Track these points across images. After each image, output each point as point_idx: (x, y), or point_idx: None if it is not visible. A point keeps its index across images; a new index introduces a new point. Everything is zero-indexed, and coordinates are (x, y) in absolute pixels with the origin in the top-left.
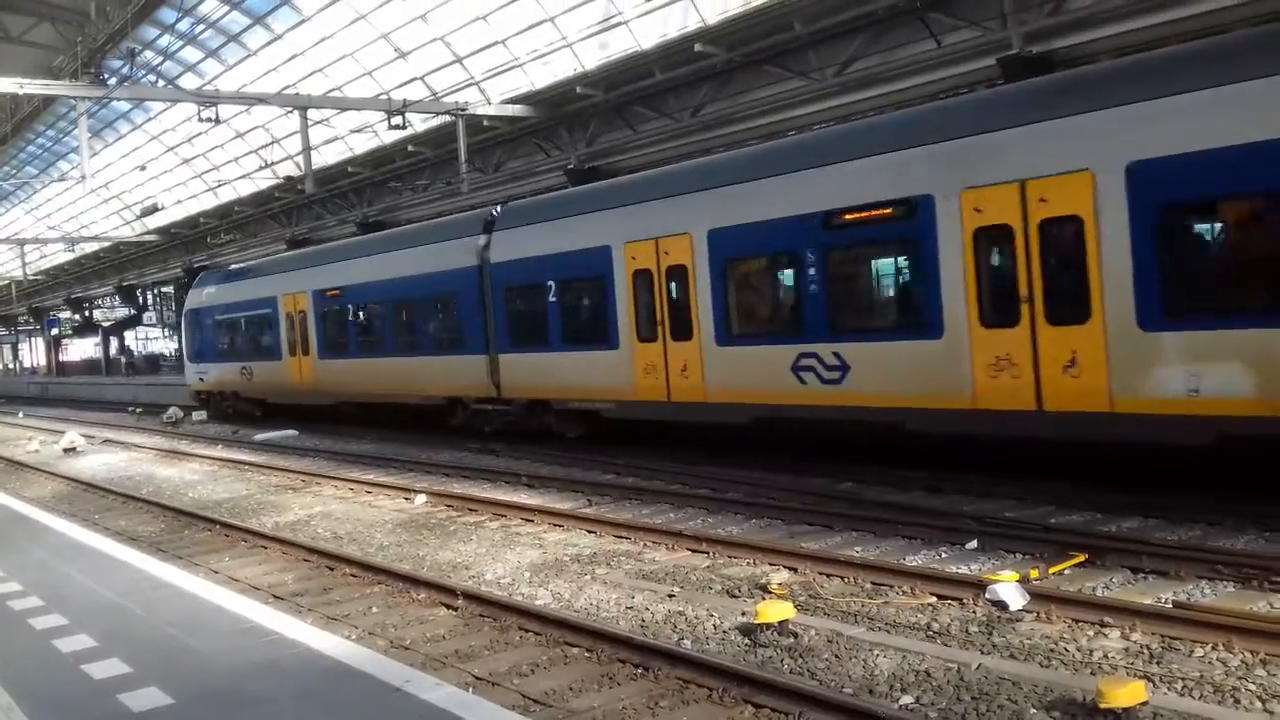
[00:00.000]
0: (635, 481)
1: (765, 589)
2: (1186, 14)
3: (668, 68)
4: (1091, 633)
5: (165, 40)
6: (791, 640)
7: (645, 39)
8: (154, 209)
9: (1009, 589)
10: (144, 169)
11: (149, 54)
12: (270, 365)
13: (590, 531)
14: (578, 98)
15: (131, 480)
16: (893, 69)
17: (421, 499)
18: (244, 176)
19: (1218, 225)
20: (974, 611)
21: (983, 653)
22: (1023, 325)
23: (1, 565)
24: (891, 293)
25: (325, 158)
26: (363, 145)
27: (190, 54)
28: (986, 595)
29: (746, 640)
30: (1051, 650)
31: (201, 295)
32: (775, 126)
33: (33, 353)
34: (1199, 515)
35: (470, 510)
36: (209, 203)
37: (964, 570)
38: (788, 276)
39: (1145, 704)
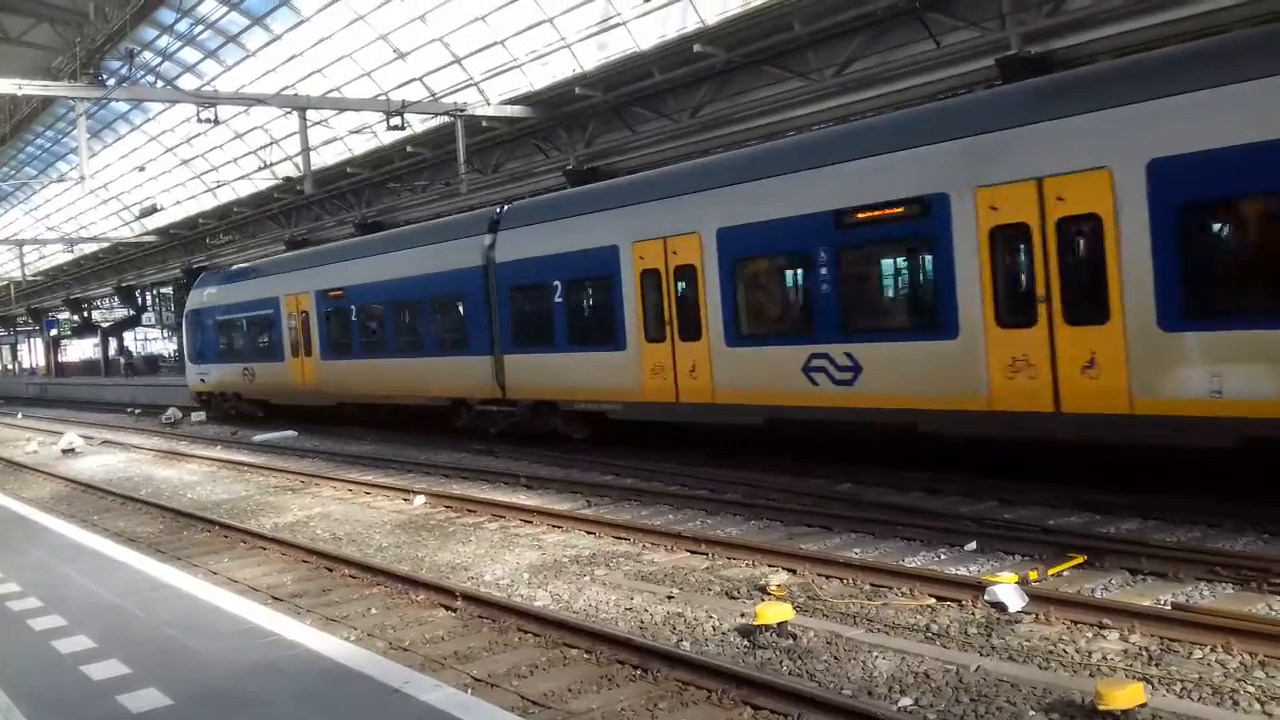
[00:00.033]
0: (634, 483)
1: (764, 590)
2: (1185, 14)
3: (666, 68)
4: (1090, 634)
5: (164, 41)
6: (790, 642)
7: (644, 40)
8: (153, 210)
9: (1008, 590)
10: (143, 170)
11: (148, 55)
12: (272, 366)
13: (589, 533)
14: (576, 98)
15: (130, 481)
16: (892, 69)
17: (420, 500)
18: (243, 177)
19: (1242, 223)
20: (973, 613)
21: (982, 654)
22: (1040, 325)
23: (0, 566)
24: (905, 292)
25: (324, 158)
26: (361, 146)
27: (189, 55)
28: (985, 597)
29: (745, 642)
30: (1050, 652)
31: (202, 296)
32: (774, 127)
33: (31, 353)
34: (1198, 517)
35: (469, 511)
36: (208, 203)
37: (963, 572)
38: (799, 276)
39: (1144, 706)
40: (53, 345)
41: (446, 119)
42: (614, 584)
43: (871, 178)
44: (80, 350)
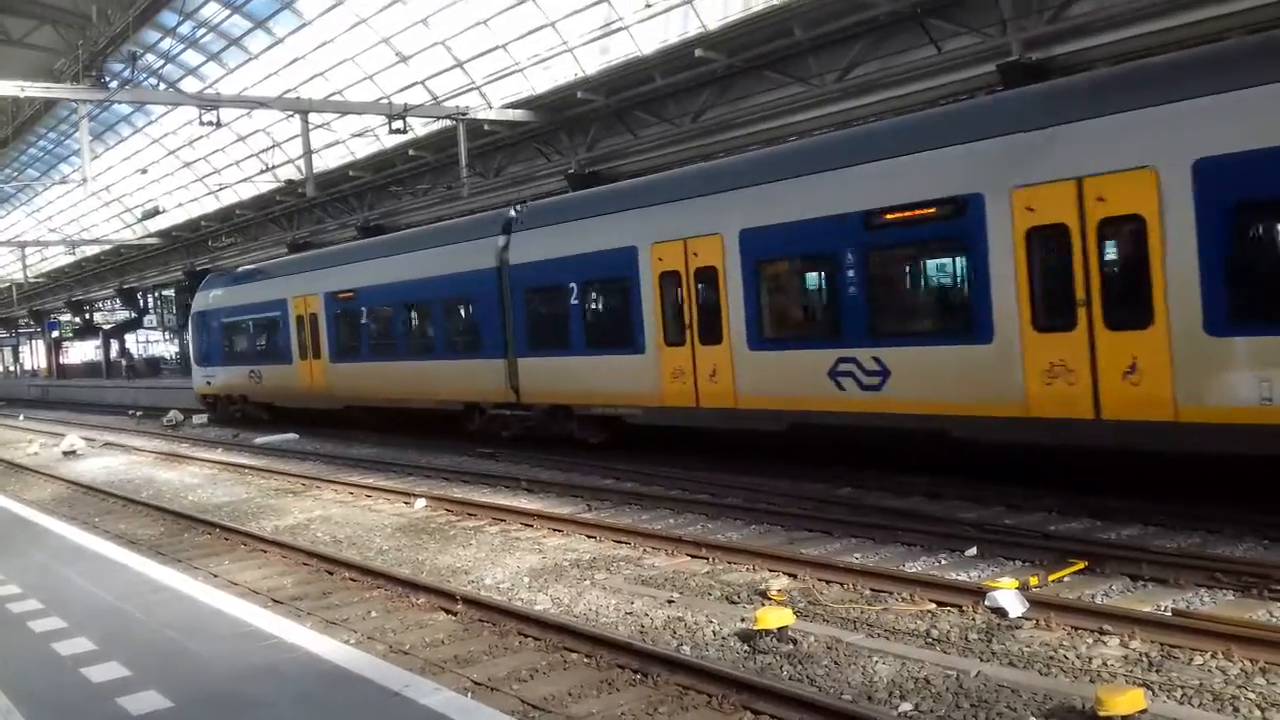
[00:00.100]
0: (635, 487)
1: (764, 595)
2: (1187, 20)
3: (668, 73)
4: (1091, 640)
5: (167, 44)
6: (790, 647)
7: (646, 44)
8: (155, 212)
9: (1008, 596)
10: (145, 172)
11: (150, 57)
12: (280, 369)
13: (590, 537)
14: (578, 102)
15: (131, 483)
16: (893, 75)
17: (421, 503)
18: (245, 180)
19: None
20: (973, 619)
21: (982, 660)
22: (1079, 330)
23: (1, 568)
24: (937, 295)
25: (326, 161)
26: (364, 149)
27: (191, 57)
28: (986, 602)
29: (746, 646)
30: (1051, 658)
31: (209, 298)
32: (775, 132)
33: (33, 355)
34: (1198, 523)
35: (470, 515)
36: (210, 206)
37: (963, 577)
38: (825, 278)
39: (1144, 712)
40: (54, 347)
41: (448, 122)
42: (614, 588)
43: (902, 177)
44: (82, 352)
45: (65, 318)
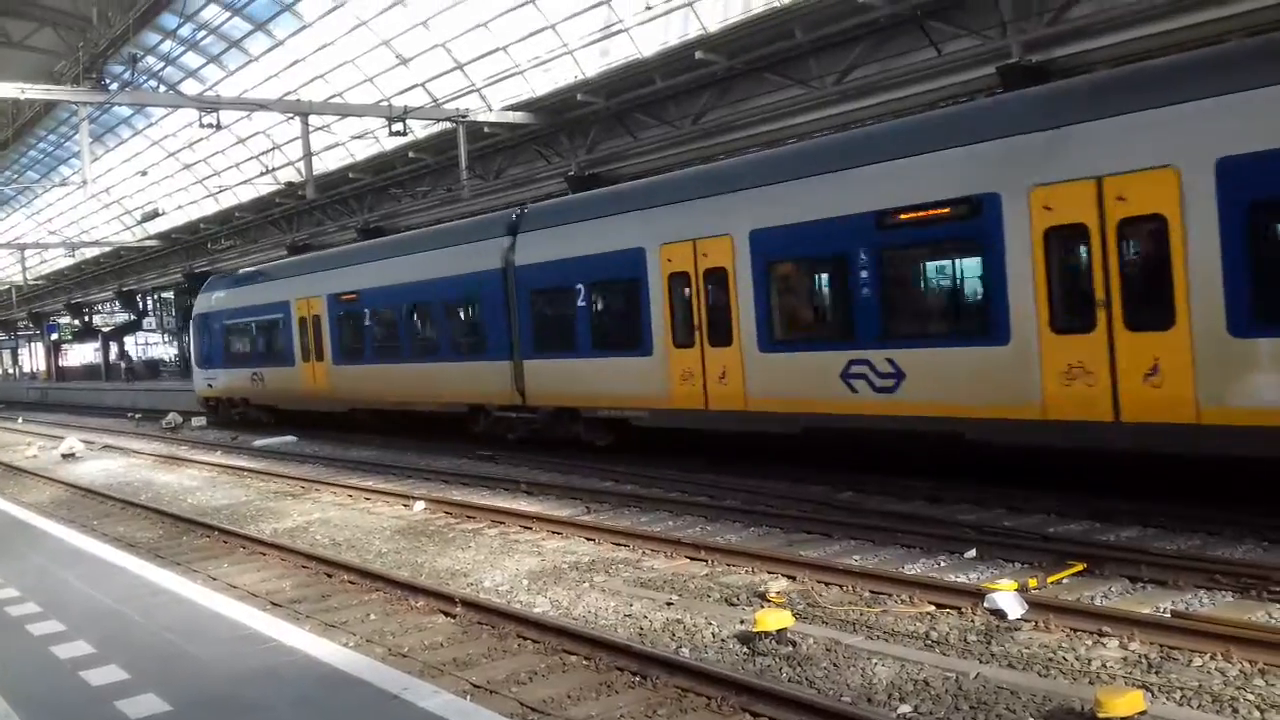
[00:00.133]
0: (634, 489)
1: (764, 597)
2: (1186, 23)
3: (668, 75)
4: (1090, 642)
5: (167, 46)
6: (790, 649)
7: (646, 46)
8: (155, 214)
9: (1007, 598)
10: (145, 174)
11: (150, 59)
12: (282, 371)
13: (589, 539)
14: (578, 105)
15: (130, 486)
16: (893, 77)
17: (420, 506)
18: (245, 182)
19: None
20: (972, 620)
21: (981, 662)
22: (1098, 331)
23: (0, 571)
24: (952, 296)
25: (326, 163)
26: (364, 151)
27: (192, 59)
28: (985, 604)
29: (745, 648)
30: (1050, 659)
31: (210, 300)
32: (775, 134)
33: (32, 358)
34: (1198, 524)
35: (469, 517)
36: (210, 208)
37: (962, 579)
38: (838, 279)
39: (1144, 713)
40: (53, 350)
41: (448, 125)
42: (613, 590)
43: (917, 177)
44: (81, 355)
45: (64, 320)
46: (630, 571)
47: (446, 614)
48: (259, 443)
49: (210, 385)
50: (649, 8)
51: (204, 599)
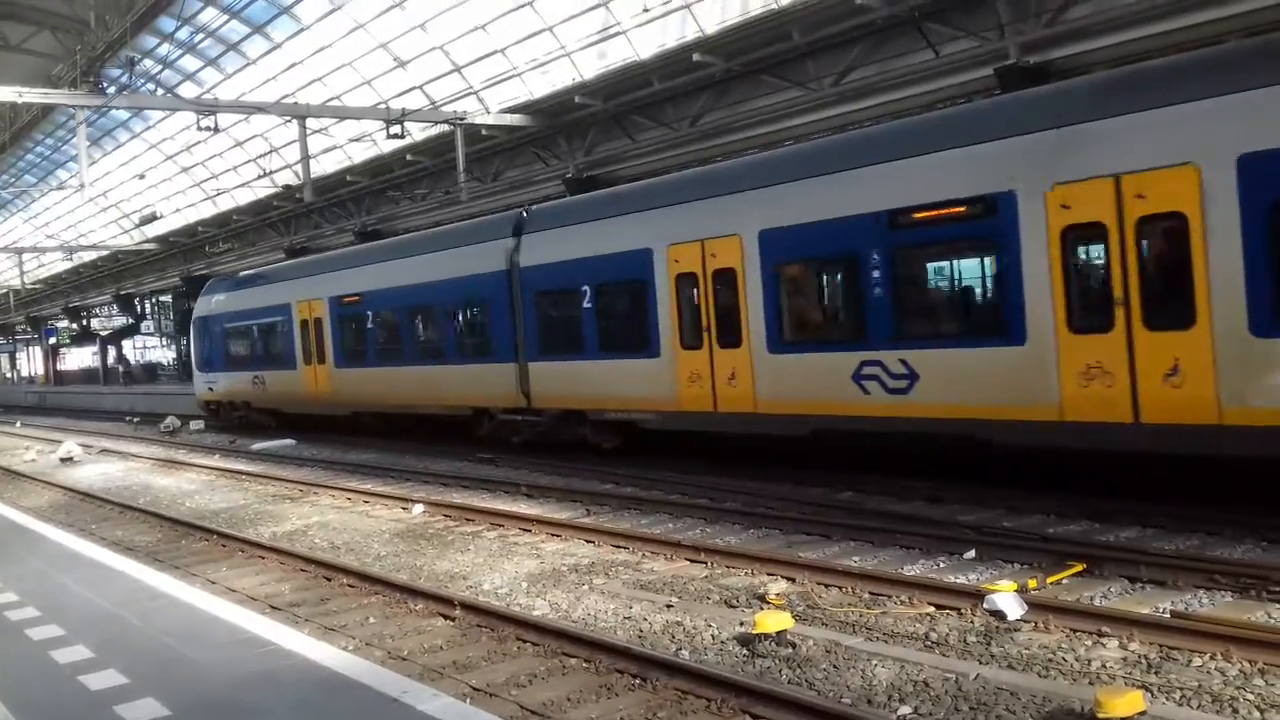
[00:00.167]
0: (633, 491)
1: (763, 599)
2: (1184, 24)
3: (666, 77)
4: (1089, 642)
5: (164, 49)
6: (790, 650)
7: (643, 49)
8: (152, 218)
9: (1007, 599)
10: (143, 178)
11: (148, 63)
12: (284, 375)
13: (588, 541)
14: (576, 107)
15: (129, 490)
16: (890, 79)
17: (419, 509)
18: (242, 185)
19: None
20: (972, 621)
21: (981, 663)
22: (1117, 330)
23: None
24: (967, 296)
25: (324, 166)
26: (361, 154)
27: (189, 63)
28: (984, 605)
29: (745, 650)
30: (1049, 660)
31: (211, 303)
32: (773, 136)
33: (30, 362)
34: (1197, 524)
35: (468, 520)
36: (207, 211)
37: (962, 580)
38: (849, 279)
39: (1143, 714)
40: (51, 353)
41: (446, 127)
42: (613, 593)
43: (930, 176)
44: (79, 358)
45: (62, 324)
46: (630, 574)
47: (446, 617)
48: (257, 446)
49: (211, 389)
50: (647, 10)
51: (203, 603)
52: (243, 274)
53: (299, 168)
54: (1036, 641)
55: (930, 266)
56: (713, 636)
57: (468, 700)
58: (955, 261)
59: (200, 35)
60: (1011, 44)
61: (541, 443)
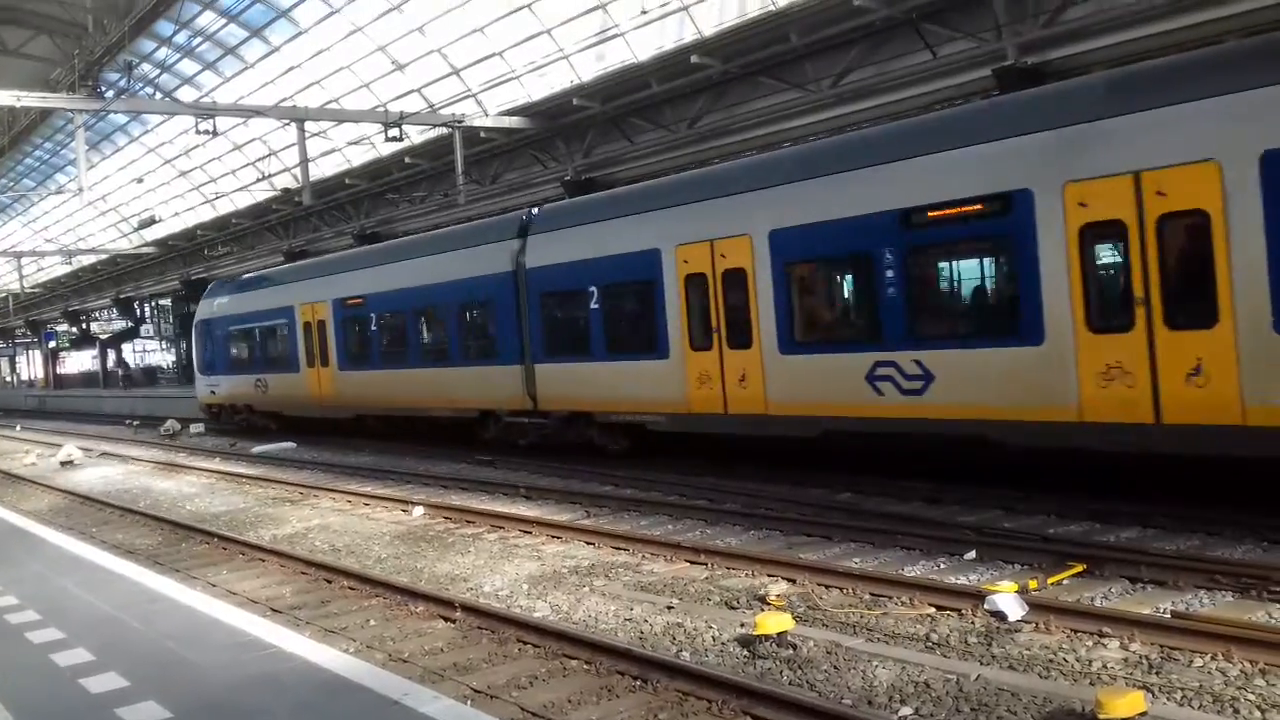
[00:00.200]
0: (633, 493)
1: (764, 600)
2: (1184, 24)
3: (664, 79)
4: (1090, 643)
5: (163, 53)
6: (790, 652)
7: (641, 51)
8: (151, 221)
9: (1008, 599)
10: (141, 181)
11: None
12: (287, 377)
13: (588, 543)
14: (574, 109)
15: (129, 493)
16: (888, 80)
17: (419, 511)
18: (241, 189)
19: None
20: (973, 622)
21: (982, 663)
22: (1137, 330)
23: None
24: (983, 296)
25: (322, 170)
26: (360, 157)
27: (188, 67)
28: (985, 606)
29: (745, 652)
30: (1050, 661)
31: (212, 305)
32: (771, 138)
33: (30, 365)
34: (1197, 525)
35: (468, 522)
36: (206, 215)
37: (962, 581)
38: (862, 279)
39: (1144, 714)
40: (51, 357)
41: (444, 130)
42: (613, 594)
43: (944, 174)
44: (79, 362)
45: (62, 328)
46: (630, 575)
47: (446, 619)
48: (257, 449)
49: (213, 392)
50: (644, 12)
51: (203, 605)
52: (245, 276)
53: (298, 171)
54: (1037, 642)
55: (945, 266)
56: (713, 638)
57: (468, 702)
58: (971, 260)
59: (198, 39)
60: (1009, 45)
61: (548, 445)
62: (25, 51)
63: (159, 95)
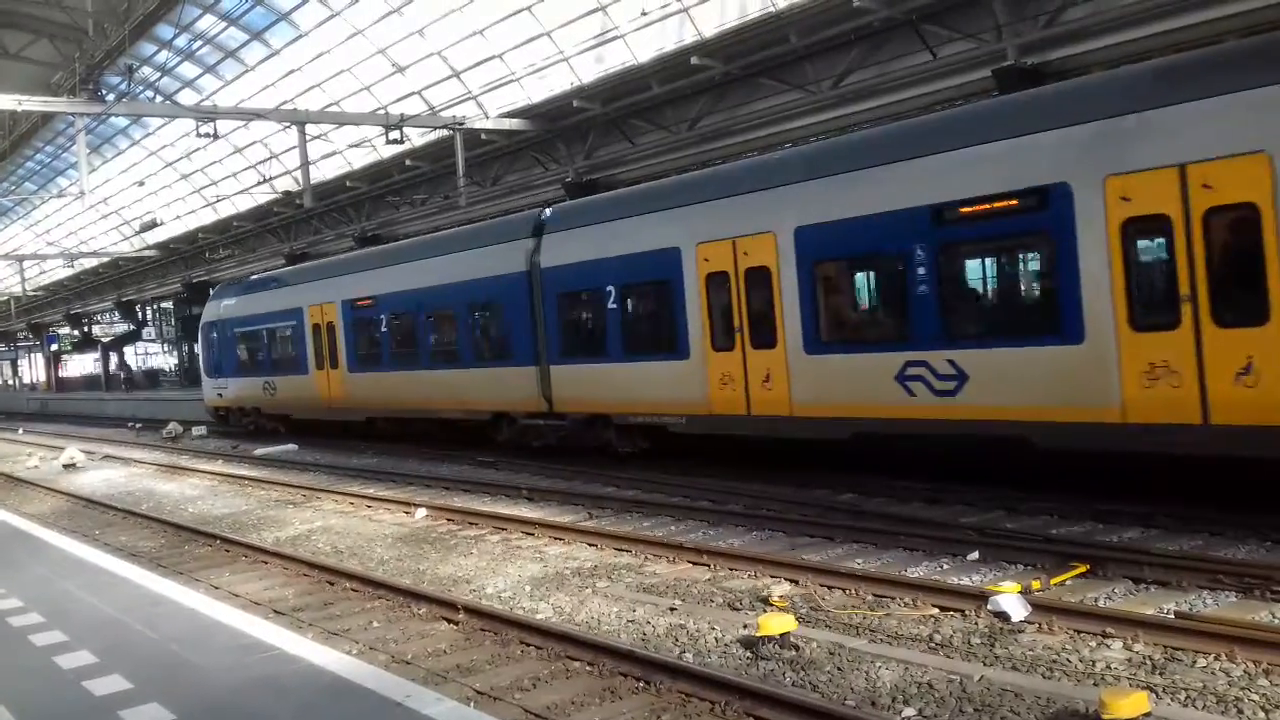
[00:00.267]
0: (636, 494)
1: (767, 601)
2: (1183, 24)
3: (664, 81)
4: (1094, 643)
5: (163, 56)
6: (793, 653)
7: (642, 53)
8: (153, 224)
9: (1011, 600)
10: (142, 185)
11: (147, 70)
12: (295, 379)
13: (591, 545)
14: (575, 111)
15: (131, 496)
16: (888, 81)
17: (422, 513)
18: (242, 191)
19: None
20: (976, 623)
21: (985, 664)
22: (1184, 328)
23: (2, 582)
24: (1019, 293)
25: (323, 172)
26: (361, 160)
27: (188, 70)
28: (988, 606)
29: (748, 653)
30: (1054, 661)
31: (219, 307)
32: (772, 139)
33: (32, 369)
34: (1200, 525)
35: (471, 524)
36: (208, 218)
37: (965, 581)
38: (893, 277)
39: (1148, 715)
40: (53, 360)
41: (445, 132)
42: (616, 596)
43: (979, 168)
44: (81, 365)
45: (64, 331)
46: (633, 577)
47: (449, 621)
48: (260, 451)
49: (220, 394)
50: (645, 14)
51: (206, 608)
52: (252, 278)
53: (299, 173)
54: (1040, 643)
55: (980, 262)
56: (716, 639)
57: (471, 704)
58: (1007, 257)
59: (199, 42)
60: (1009, 45)
61: (564, 448)
62: (26, 55)
63: (160, 99)
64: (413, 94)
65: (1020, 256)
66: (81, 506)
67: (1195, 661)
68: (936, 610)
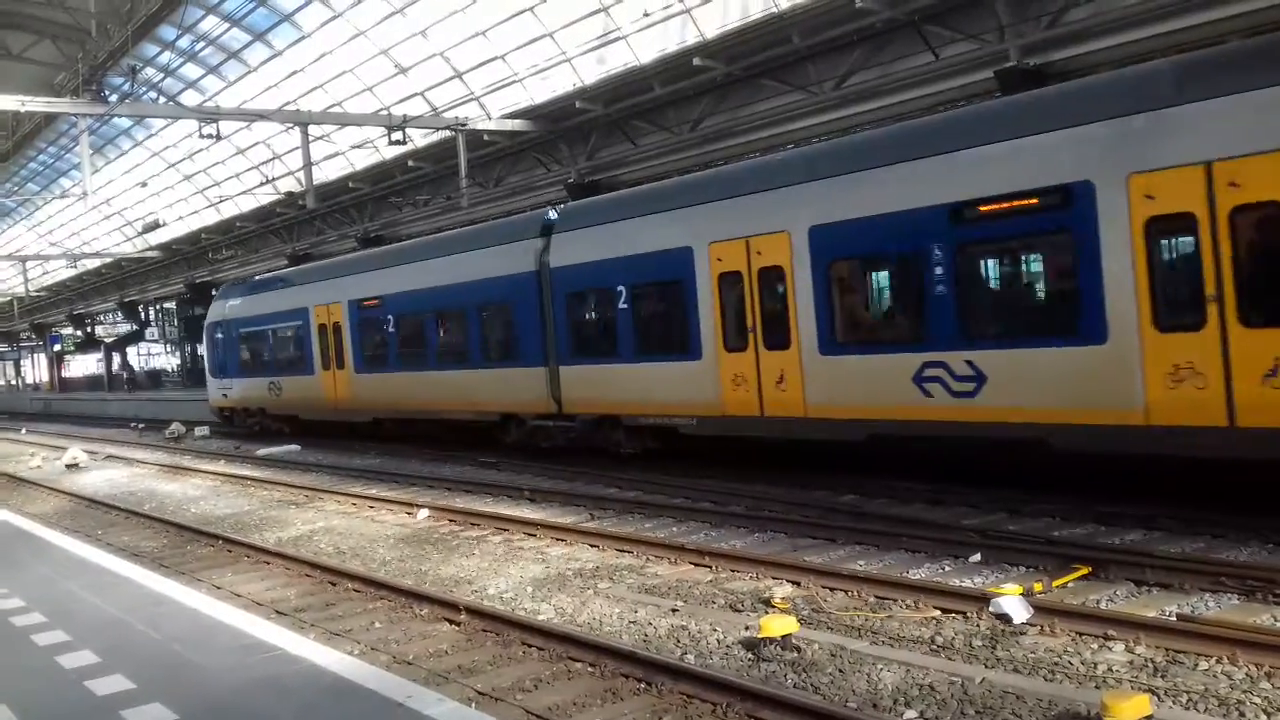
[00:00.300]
0: (638, 495)
1: (768, 603)
2: (1184, 25)
3: (666, 82)
4: (1095, 646)
5: (166, 57)
6: (795, 654)
7: (644, 54)
8: (155, 225)
9: (1012, 602)
10: (145, 185)
11: (150, 71)
12: (301, 380)
13: (593, 546)
14: (577, 112)
15: (134, 496)
16: (891, 82)
17: (424, 514)
18: (245, 192)
19: None
20: (978, 625)
21: (987, 666)
22: (1210, 328)
23: (4, 582)
24: (1040, 293)
25: (326, 173)
26: (363, 161)
27: (191, 70)
28: (990, 608)
29: (750, 655)
30: (1055, 663)
31: (224, 307)
32: (774, 140)
33: (35, 369)
34: (1202, 527)
35: (473, 525)
36: (210, 219)
37: (967, 583)
38: (910, 277)
39: (1150, 718)
40: (56, 360)
41: (448, 133)
42: (618, 597)
43: (999, 166)
44: (84, 365)
45: (67, 331)
46: (634, 578)
47: (451, 621)
48: (262, 452)
49: (225, 395)
50: (647, 15)
51: (209, 608)
52: (258, 278)
53: (301, 174)
54: (1042, 645)
55: (1000, 262)
56: (718, 641)
57: (473, 705)
58: (1027, 256)
59: (201, 43)
60: (1011, 46)
61: (573, 449)
62: (29, 56)
63: (163, 100)
64: (415, 95)
65: (1041, 256)
66: (84, 507)
67: (1197, 664)
68: (938, 612)
